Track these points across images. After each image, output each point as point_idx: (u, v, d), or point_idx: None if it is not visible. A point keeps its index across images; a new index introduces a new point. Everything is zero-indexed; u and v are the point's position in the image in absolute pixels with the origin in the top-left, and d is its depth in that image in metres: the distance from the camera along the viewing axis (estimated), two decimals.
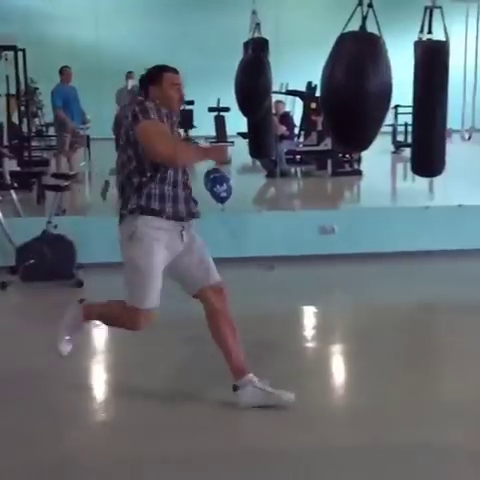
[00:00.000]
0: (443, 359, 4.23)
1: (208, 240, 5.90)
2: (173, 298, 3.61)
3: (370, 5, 4.81)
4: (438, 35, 6.64)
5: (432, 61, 6.67)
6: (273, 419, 3.39)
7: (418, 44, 6.79)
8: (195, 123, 14.49)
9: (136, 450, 3.08)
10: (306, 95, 11.93)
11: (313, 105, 10.93)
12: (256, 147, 6.50)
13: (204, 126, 14.16)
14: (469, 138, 4.78)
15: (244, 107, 7.10)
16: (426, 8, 6.71)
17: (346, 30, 4.78)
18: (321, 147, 10.52)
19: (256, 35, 6.51)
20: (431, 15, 6.68)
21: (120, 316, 3.41)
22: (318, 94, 11.33)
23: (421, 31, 6.69)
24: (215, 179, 6.05)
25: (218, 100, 14.17)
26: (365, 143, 5.47)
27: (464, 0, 6.05)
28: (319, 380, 3.92)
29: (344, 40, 4.81)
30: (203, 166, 5.49)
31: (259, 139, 6.31)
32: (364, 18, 4.80)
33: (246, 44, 6.56)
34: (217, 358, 3.52)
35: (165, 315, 3.47)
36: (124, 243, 3.31)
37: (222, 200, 5.98)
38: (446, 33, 6.61)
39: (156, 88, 3.33)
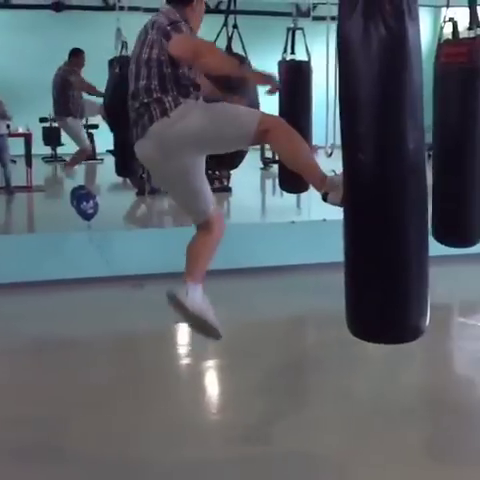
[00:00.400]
0: (316, 368, 4.31)
1: (75, 259, 5.82)
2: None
3: (235, 26, 4.90)
4: (301, 55, 6.86)
5: (295, 80, 6.87)
6: (145, 432, 3.34)
7: (281, 64, 6.98)
8: (63, 140, 14.18)
9: None
10: None
11: None
12: (122, 165, 6.46)
13: (73, 144, 13.85)
14: (330, 154, 4.92)
15: (112, 125, 7.06)
16: (288, 29, 6.92)
17: None
18: None
19: (123, 53, 6.49)
20: (293, 36, 6.89)
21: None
22: None
23: (284, 51, 6.89)
24: (81, 196, 5.95)
25: (86, 118, 13.94)
26: (236, 164, 5.57)
27: (324, 20, 6.25)
28: (191, 395, 3.92)
29: None
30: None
31: (125, 157, 6.27)
32: (229, 38, 4.88)
33: (111, 62, 6.51)
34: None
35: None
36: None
37: (88, 217, 5.88)
38: (308, 53, 6.84)
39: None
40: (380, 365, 4.35)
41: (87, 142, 8.12)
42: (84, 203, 5.87)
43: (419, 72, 2.42)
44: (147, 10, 7.46)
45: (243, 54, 4.94)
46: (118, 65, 6.37)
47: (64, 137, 14.18)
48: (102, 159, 13.74)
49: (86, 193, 6.03)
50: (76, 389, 3.94)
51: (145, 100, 3.17)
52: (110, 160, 12.61)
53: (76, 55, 8.02)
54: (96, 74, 8.80)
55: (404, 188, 2.45)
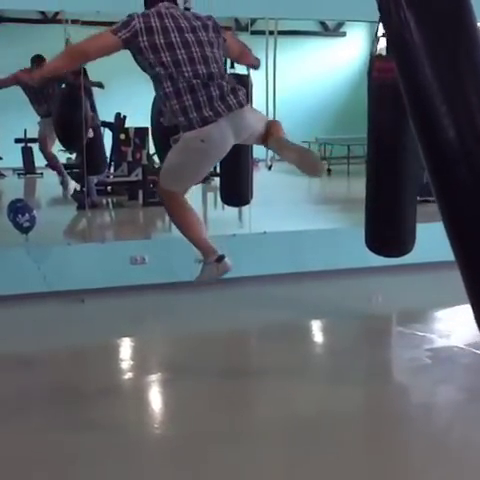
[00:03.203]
0: (258, 380, 4.32)
1: (12, 274, 5.72)
2: None
3: None
4: (241, 69, 6.92)
5: None
6: (86, 447, 3.29)
7: None
8: (1, 154, 13.97)
9: None
10: (115, 126, 11.87)
11: (122, 136, 10.88)
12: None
13: (11, 157, 13.68)
14: (270, 167, 4.97)
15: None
16: None
17: None
18: (132, 178, 10.49)
19: None
20: None
21: None
22: (127, 125, 11.35)
23: (224, 64, 6.93)
24: (17, 209, 5.86)
25: (25, 131, 13.77)
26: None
27: (263, 35, 6.32)
28: (138, 410, 3.90)
29: None
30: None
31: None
32: None
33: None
34: None
35: None
36: None
37: (25, 230, 5.79)
38: (247, 67, 6.90)
39: None
40: (319, 374, 4.39)
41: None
42: (19, 216, 5.78)
43: None
44: (85, 23, 7.47)
45: None
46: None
47: (1, 151, 14.02)
48: (42, 173, 13.56)
49: (22, 206, 5.95)
50: (13, 405, 3.87)
51: (229, 85, 3.86)
52: (50, 174, 12.47)
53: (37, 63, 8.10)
54: None
55: None
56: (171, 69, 3.78)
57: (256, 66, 4.50)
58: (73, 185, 8.47)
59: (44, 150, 7.44)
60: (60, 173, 8.08)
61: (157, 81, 3.87)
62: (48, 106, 7.45)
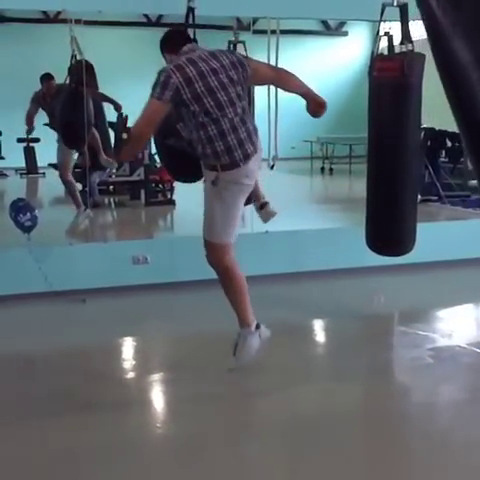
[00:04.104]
0: (259, 380, 4.31)
1: (14, 274, 5.73)
2: None
3: (194, 38, 4.95)
4: None
5: None
6: (88, 446, 3.29)
7: None
8: (3, 154, 13.99)
9: None
10: (117, 125, 11.87)
11: (124, 136, 10.87)
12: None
13: (13, 157, 13.70)
14: (272, 167, 4.97)
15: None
16: (230, 42, 6.97)
17: None
18: (134, 177, 10.49)
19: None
20: (235, 49, 6.95)
21: None
22: (129, 125, 11.34)
23: None
24: (19, 208, 5.86)
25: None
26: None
27: (265, 34, 6.32)
28: (139, 410, 3.90)
29: None
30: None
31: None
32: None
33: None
34: None
35: None
36: None
37: (27, 229, 5.79)
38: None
39: None
40: (321, 373, 4.39)
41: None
42: (21, 215, 5.78)
43: None
44: (87, 22, 7.48)
45: None
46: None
47: (4, 150, 14.03)
48: (44, 173, 13.58)
49: (24, 205, 5.95)
50: (14, 405, 3.88)
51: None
52: (52, 174, 12.48)
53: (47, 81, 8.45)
54: (39, 85, 8.76)
55: None
56: (215, 113, 3.75)
57: (305, 93, 4.20)
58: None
59: (63, 177, 7.45)
60: (76, 202, 7.98)
61: (199, 126, 3.80)
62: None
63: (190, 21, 5.08)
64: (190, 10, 5.07)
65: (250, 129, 3.87)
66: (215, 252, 3.95)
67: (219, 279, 3.99)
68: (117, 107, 8.68)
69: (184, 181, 4.81)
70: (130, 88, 10.73)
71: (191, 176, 4.38)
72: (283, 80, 4.14)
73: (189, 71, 3.72)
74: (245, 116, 3.86)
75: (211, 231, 3.94)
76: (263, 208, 4.54)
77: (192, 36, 4.94)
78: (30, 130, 8.90)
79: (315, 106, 4.08)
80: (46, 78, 8.53)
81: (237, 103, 3.82)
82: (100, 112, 8.42)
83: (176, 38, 3.95)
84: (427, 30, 2.31)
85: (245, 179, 3.84)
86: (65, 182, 7.38)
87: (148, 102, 3.73)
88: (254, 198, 4.47)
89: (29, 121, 8.71)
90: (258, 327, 4.10)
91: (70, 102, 6.99)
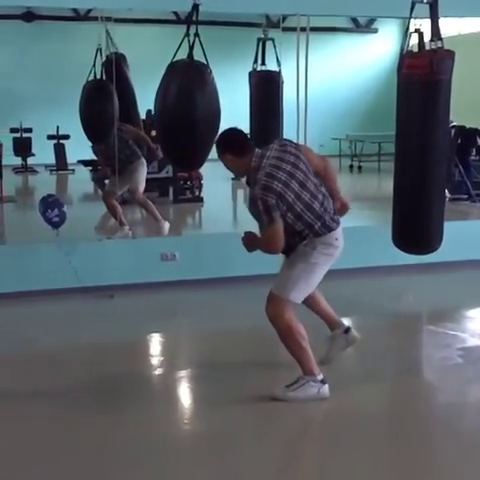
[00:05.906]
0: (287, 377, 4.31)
1: (43, 269, 5.78)
2: None
3: (197, 34, 4.92)
4: (272, 65, 6.92)
5: (266, 89, 6.93)
6: (118, 443, 3.31)
7: (252, 73, 7.03)
8: (34, 151, 14.13)
9: None
10: (146, 123, 11.93)
11: (153, 133, 10.93)
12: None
13: (43, 154, 13.84)
14: None
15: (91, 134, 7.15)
16: (259, 40, 6.98)
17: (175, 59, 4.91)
18: (162, 174, 10.53)
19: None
20: (264, 46, 6.95)
21: None
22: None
23: (255, 61, 6.95)
24: (47, 204, 5.93)
25: (57, 128, 13.91)
26: (196, 164, 5.60)
27: (294, 31, 6.30)
28: (167, 406, 3.93)
29: (173, 69, 4.92)
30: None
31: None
32: (191, 47, 4.91)
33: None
34: None
35: None
36: None
37: (55, 225, 5.85)
38: (278, 63, 6.90)
39: None
40: (348, 371, 4.37)
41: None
42: (49, 211, 5.85)
43: None
44: (118, 20, 7.52)
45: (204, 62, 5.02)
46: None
47: (34, 147, 14.16)
48: (73, 170, 13.70)
49: (53, 201, 6.01)
50: (46, 401, 3.91)
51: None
52: (81, 170, 12.59)
53: None
54: (69, 82, 8.82)
55: None
56: (310, 199, 3.83)
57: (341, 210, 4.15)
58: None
59: (106, 201, 7.44)
60: (118, 221, 7.95)
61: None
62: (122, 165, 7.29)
63: (194, 18, 5.01)
64: (195, 7, 5.00)
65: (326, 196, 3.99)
66: (276, 306, 3.89)
67: (277, 333, 3.93)
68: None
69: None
70: (152, 85, 10.79)
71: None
72: (329, 176, 4.17)
73: (282, 175, 3.75)
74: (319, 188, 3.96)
75: (284, 285, 3.91)
76: (347, 333, 4.32)
77: (196, 32, 4.93)
78: None
79: (342, 207, 4.13)
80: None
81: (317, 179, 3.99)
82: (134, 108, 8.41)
83: (243, 144, 3.89)
84: None
85: (334, 241, 3.93)
86: (108, 206, 7.38)
87: (270, 227, 3.74)
88: (332, 325, 4.33)
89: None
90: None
91: (95, 100, 7.06)
